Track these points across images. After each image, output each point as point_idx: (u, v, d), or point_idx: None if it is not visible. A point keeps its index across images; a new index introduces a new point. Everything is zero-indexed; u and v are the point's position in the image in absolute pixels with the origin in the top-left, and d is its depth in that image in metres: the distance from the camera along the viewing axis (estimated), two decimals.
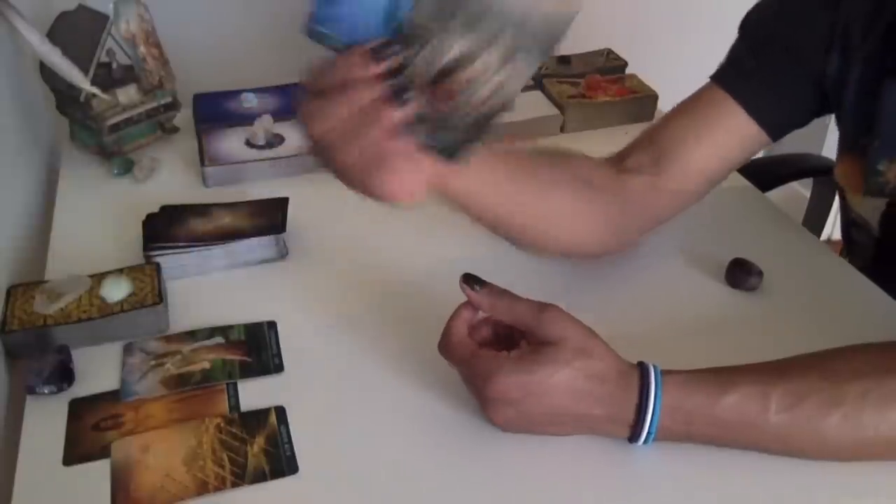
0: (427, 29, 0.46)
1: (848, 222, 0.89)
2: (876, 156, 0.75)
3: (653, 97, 1.21)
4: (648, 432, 0.59)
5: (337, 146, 0.51)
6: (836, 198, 1.14)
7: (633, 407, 0.59)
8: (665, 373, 0.60)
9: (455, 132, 0.49)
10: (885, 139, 0.73)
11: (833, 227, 1.18)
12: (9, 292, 0.79)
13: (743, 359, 0.73)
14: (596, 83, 1.21)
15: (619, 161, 0.79)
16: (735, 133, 0.78)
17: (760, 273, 0.83)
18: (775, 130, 0.78)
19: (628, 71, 1.30)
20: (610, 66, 1.31)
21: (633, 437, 0.60)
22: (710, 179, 0.79)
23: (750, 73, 0.78)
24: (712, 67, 0.82)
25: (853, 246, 0.91)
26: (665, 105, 1.22)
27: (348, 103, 0.49)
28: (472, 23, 0.45)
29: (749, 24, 0.82)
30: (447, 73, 0.47)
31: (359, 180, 0.54)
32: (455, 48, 0.46)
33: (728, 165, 0.80)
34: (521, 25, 0.45)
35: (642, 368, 0.60)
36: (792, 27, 0.76)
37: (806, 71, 0.76)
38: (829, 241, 1.16)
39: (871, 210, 0.82)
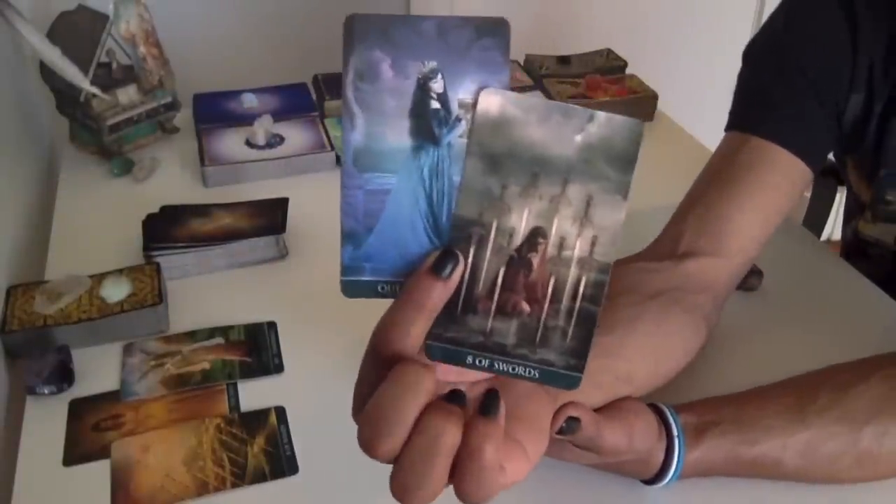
0: (481, 216, 0.36)
1: (861, 241, 0.89)
2: (882, 185, 0.76)
3: (653, 97, 1.21)
4: (668, 481, 0.59)
5: (423, 475, 0.36)
6: (835, 200, 1.14)
7: (660, 457, 0.58)
8: (684, 426, 0.58)
9: (560, 342, 0.38)
10: (892, 169, 0.74)
11: (833, 227, 1.18)
12: (9, 292, 0.79)
13: (743, 358, 0.73)
14: (596, 83, 1.21)
15: (670, 248, 0.69)
16: (785, 178, 0.71)
17: (760, 273, 0.83)
18: (815, 162, 0.72)
19: (628, 71, 1.30)
20: (610, 66, 1.31)
21: (652, 482, 0.59)
22: (769, 235, 0.72)
23: (775, 106, 0.73)
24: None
25: (868, 257, 0.91)
26: (665, 105, 1.22)
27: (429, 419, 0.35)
28: (528, 187, 0.36)
29: (761, 55, 0.77)
30: (526, 262, 0.37)
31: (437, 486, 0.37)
32: (523, 222, 0.37)
33: (784, 216, 0.73)
34: (586, 161, 0.36)
35: (664, 422, 0.58)
36: (813, 62, 0.72)
37: (828, 106, 0.73)
38: (828, 241, 1.16)
39: (885, 232, 0.83)
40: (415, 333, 0.36)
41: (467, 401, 0.37)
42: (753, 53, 0.78)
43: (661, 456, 0.57)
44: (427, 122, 0.36)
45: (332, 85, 1.21)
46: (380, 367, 0.36)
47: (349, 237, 0.38)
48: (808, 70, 0.72)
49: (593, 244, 0.37)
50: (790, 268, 0.87)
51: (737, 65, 0.79)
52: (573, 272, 0.37)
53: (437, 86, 0.35)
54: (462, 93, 0.35)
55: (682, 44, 1.92)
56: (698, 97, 1.70)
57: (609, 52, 1.35)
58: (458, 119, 0.36)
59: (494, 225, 0.37)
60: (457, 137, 0.36)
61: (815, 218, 1.17)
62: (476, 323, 0.38)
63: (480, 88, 0.35)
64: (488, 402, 0.37)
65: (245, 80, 1.24)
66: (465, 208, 0.37)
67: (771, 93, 0.74)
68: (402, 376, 0.35)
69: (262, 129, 1.07)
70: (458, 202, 0.37)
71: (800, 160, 0.71)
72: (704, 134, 1.12)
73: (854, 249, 0.93)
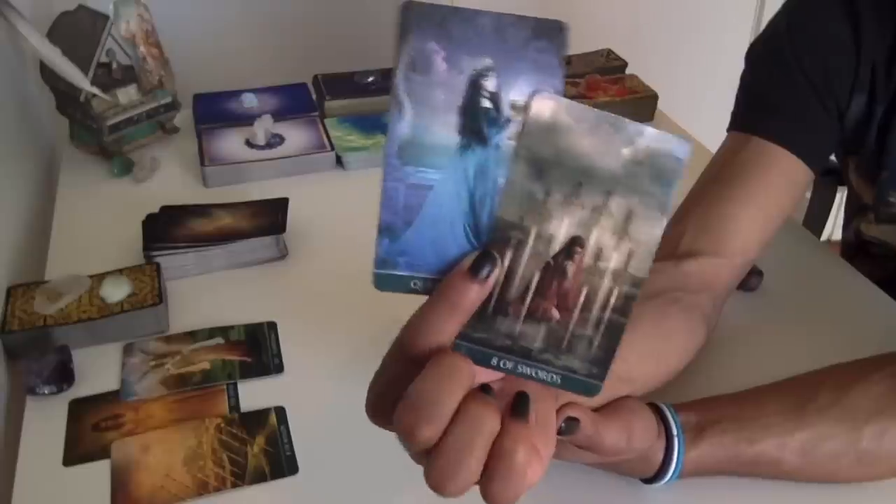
0: (521, 220, 0.36)
1: (864, 241, 0.89)
2: (885, 187, 0.76)
3: (653, 97, 1.21)
4: (668, 480, 0.59)
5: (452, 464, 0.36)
6: (835, 200, 1.14)
7: (660, 455, 0.58)
8: (684, 425, 0.59)
9: (585, 350, 0.38)
10: (894, 171, 0.74)
11: (833, 227, 1.18)
12: (9, 292, 0.79)
13: (743, 358, 0.73)
14: (596, 83, 1.21)
15: (670, 248, 0.69)
16: (786, 178, 0.71)
17: (760, 273, 0.83)
18: (816, 163, 0.73)
19: (628, 71, 1.30)
20: (610, 66, 1.31)
21: (652, 481, 0.59)
22: (770, 236, 0.72)
23: (777, 107, 0.73)
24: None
25: (871, 257, 0.91)
26: (665, 105, 1.22)
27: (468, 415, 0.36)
28: (571, 195, 0.36)
29: (763, 56, 0.77)
30: (561, 269, 0.37)
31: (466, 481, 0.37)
32: (562, 230, 0.36)
33: (784, 217, 0.73)
34: (630, 175, 0.35)
35: (664, 421, 0.58)
36: (816, 64, 0.72)
37: (830, 107, 0.73)
38: (829, 241, 1.16)
39: (888, 233, 0.83)
40: (447, 332, 0.36)
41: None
42: (756, 54, 0.78)
43: (660, 455, 0.57)
44: (477, 121, 0.35)
45: (332, 85, 1.21)
46: (407, 362, 0.37)
47: (386, 230, 0.37)
48: (810, 71, 0.72)
49: (629, 258, 0.37)
50: (790, 268, 0.87)
51: (737, 65, 0.79)
52: (606, 284, 0.37)
53: (489, 84, 0.35)
54: (514, 94, 0.35)
55: (682, 44, 1.92)
56: (698, 97, 1.70)
57: (609, 52, 1.35)
58: (509, 120, 0.35)
59: (534, 230, 0.36)
60: (505, 139, 0.35)
61: (815, 218, 1.17)
62: (505, 326, 0.38)
63: (534, 92, 0.34)
64: (520, 405, 0.37)
65: (245, 80, 1.24)
66: (507, 211, 0.36)
67: (773, 93, 0.74)
68: (443, 363, 0.36)
69: (262, 129, 1.07)
70: (501, 204, 0.36)
71: (801, 161, 0.71)
72: (704, 134, 1.12)
73: (857, 249, 0.93)
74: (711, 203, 0.70)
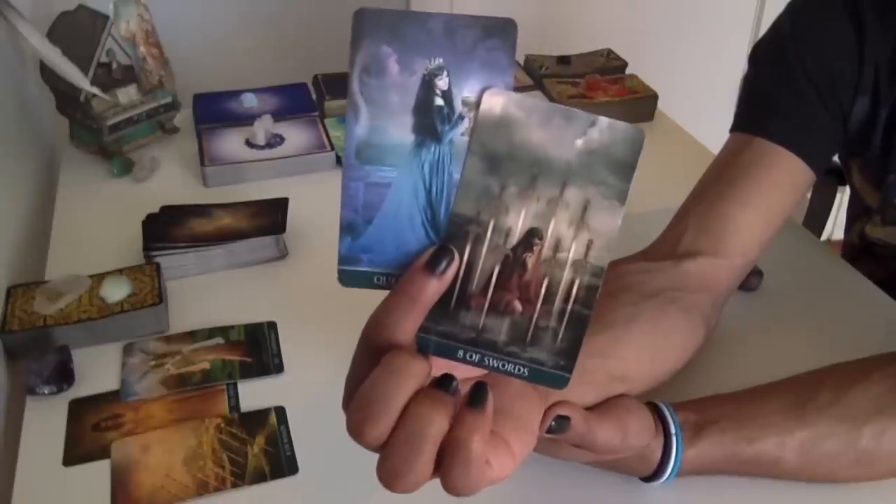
0: (478, 214, 0.37)
1: (869, 242, 0.89)
2: (891, 189, 0.76)
3: (653, 97, 1.21)
4: (667, 479, 0.59)
5: (410, 463, 0.36)
6: (835, 200, 1.14)
7: (658, 453, 0.58)
8: (682, 423, 0.58)
9: (551, 342, 0.38)
10: None
11: (833, 227, 1.18)
12: (9, 292, 0.79)
13: (743, 358, 0.73)
14: (596, 83, 1.22)
15: (670, 248, 0.69)
16: (787, 179, 0.71)
17: (760, 273, 0.83)
18: (818, 165, 0.73)
19: (628, 71, 1.30)
20: (610, 66, 1.31)
21: (650, 479, 0.59)
22: (770, 236, 0.72)
23: (780, 108, 0.73)
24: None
25: (874, 256, 0.91)
26: (665, 105, 1.22)
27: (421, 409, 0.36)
28: (527, 188, 0.36)
29: (767, 57, 0.77)
30: (521, 262, 0.37)
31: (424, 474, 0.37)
32: (520, 223, 0.37)
33: (785, 218, 0.72)
34: (585, 166, 0.36)
35: (662, 419, 0.58)
36: (819, 65, 0.72)
37: (833, 109, 0.73)
38: (829, 241, 1.16)
39: (893, 234, 0.84)
40: (407, 326, 0.37)
41: (459, 395, 0.37)
42: (759, 55, 0.78)
43: (658, 453, 0.57)
44: (430, 119, 0.36)
45: (332, 85, 1.21)
46: (371, 358, 0.37)
47: (348, 228, 0.38)
48: (813, 73, 0.72)
49: (588, 248, 0.37)
50: (790, 268, 0.87)
51: (737, 65, 0.79)
52: (567, 274, 0.37)
53: (441, 83, 0.36)
54: (466, 91, 0.36)
55: (682, 44, 1.92)
56: (698, 97, 1.70)
57: (609, 52, 1.35)
58: (461, 117, 0.36)
59: (491, 224, 0.37)
60: (459, 135, 0.36)
61: (815, 218, 1.17)
62: (469, 319, 0.38)
63: (484, 88, 0.35)
64: (476, 394, 0.37)
65: (245, 80, 1.24)
66: (464, 206, 0.37)
67: (775, 95, 0.74)
68: (392, 363, 0.36)
69: (262, 129, 1.07)
70: (457, 199, 0.37)
71: (802, 162, 0.71)
72: (704, 134, 1.12)
73: (860, 251, 0.93)
74: (712, 203, 0.70)
